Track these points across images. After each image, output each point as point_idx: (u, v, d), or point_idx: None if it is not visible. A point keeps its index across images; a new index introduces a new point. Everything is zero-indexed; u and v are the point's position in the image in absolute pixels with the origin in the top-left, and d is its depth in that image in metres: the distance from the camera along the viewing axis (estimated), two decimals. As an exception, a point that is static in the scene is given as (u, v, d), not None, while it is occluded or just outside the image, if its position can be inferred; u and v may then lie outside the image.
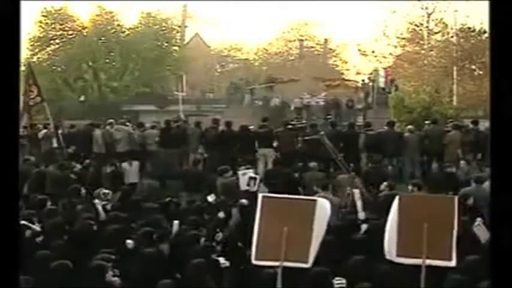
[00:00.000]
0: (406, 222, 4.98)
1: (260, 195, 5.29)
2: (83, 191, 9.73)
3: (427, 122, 14.67)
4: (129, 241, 6.75)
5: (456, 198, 5.33)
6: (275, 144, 13.20)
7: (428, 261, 4.92)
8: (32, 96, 13.88)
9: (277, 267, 5.08)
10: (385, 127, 13.56)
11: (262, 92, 22.22)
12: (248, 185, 9.85)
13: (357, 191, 8.60)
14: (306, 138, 12.98)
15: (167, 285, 5.49)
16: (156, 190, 11.06)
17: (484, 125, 13.17)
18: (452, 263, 4.99)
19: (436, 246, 4.90)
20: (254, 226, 5.20)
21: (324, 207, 5.23)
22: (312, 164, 11.74)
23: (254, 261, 5.15)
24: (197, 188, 11.27)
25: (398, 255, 5.02)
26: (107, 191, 9.29)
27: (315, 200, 5.22)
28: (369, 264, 5.88)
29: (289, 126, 14.14)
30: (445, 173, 11.33)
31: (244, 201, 9.03)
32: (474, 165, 12.08)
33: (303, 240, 5.03)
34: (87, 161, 12.79)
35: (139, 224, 7.61)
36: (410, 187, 9.57)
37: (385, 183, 9.85)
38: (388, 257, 5.14)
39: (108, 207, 8.78)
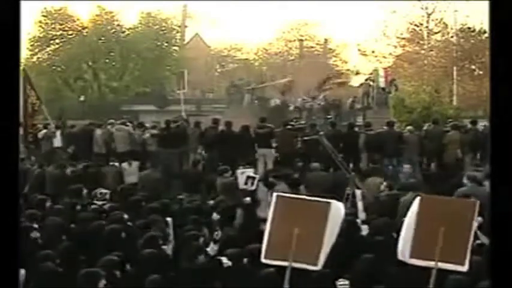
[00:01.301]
0: (424, 223, 4.91)
1: (275, 195, 5.25)
2: (84, 191, 9.75)
3: (427, 124, 14.64)
4: None
5: (477, 202, 5.24)
6: (275, 144, 13.20)
7: (441, 264, 4.88)
8: (32, 102, 14.14)
9: (284, 267, 5.06)
10: (385, 127, 13.57)
11: (262, 92, 22.20)
12: (245, 183, 9.84)
13: (358, 192, 8.60)
14: (305, 138, 12.99)
15: (154, 281, 5.50)
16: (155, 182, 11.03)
17: (484, 124, 13.21)
18: (465, 268, 4.95)
19: (450, 250, 4.84)
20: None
21: (338, 209, 5.17)
22: (314, 165, 11.73)
23: (263, 260, 5.13)
24: (197, 188, 11.29)
25: (411, 257, 4.97)
26: (104, 190, 9.29)
27: (329, 202, 5.17)
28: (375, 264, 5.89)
29: (288, 127, 14.13)
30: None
31: (247, 199, 9.10)
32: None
33: (314, 242, 4.97)
34: (88, 161, 12.80)
35: (136, 224, 7.61)
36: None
37: (384, 183, 9.86)
38: (400, 257, 5.09)
39: (106, 207, 8.78)
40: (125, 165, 12.40)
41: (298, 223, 4.94)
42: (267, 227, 5.05)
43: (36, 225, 7.38)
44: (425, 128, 14.15)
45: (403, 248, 5.02)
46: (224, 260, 6.42)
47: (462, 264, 4.90)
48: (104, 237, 6.98)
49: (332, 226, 5.04)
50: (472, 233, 4.92)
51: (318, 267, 5.02)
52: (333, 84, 21.97)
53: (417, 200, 5.07)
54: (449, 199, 5.55)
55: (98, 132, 13.77)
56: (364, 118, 18.17)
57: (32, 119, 14.40)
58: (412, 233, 4.94)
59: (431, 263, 4.87)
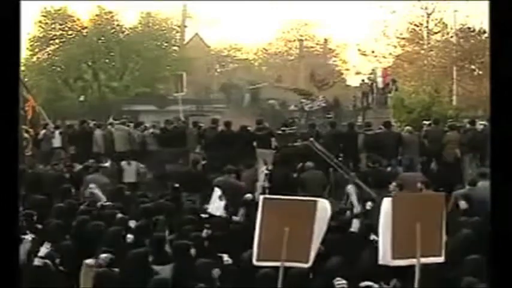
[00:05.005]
0: (400, 223, 4.93)
1: (261, 197, 5.30)
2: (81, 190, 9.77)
3: (427, 122, 14.62)
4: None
5: (443, 194, 5.43)
6: (274, 145, 13.21)
7: (423, 260, 4.93)
8: (29, 104, 14.24)
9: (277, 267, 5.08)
10: (382, 127, 13.58)
11: (262, 92, 22.22)
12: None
13: (349, 186, 8.57)
14: (295, 144, 12.97)
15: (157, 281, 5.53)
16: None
17: (483, 123, 13.22)
18: (442, 259, 5.03)
19: (428, 244, 4.91)
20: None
21: (324, 207, 5.25)
22: (308, 164, 11.71)
23: (255, 262, 5.17)
24: (197, 188, 11.29)
25: (394, 258, 4.97)
26: (94, 191, 9.34)
27: (315, 201, 5.23)
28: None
29: (280, 132, 14.11)
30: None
31: (249, 195, 9.18)
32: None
33: (304, 240, 5.05)
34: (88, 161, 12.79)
35: (136, 224, 7.61)
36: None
37: (393, 183, 9.78)
38: (381, 261, 5.07)
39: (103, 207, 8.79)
40: (123, 164, 12.40)
41: (287, 223, 4.99)
42: (256, 230, 5.10)
43: (34, 225, 7.39)
44: (424, 128, 14.15)
45: (384, 251, 5.01)
46: (225, 257, 6.46)
47: (440, 255, 4.97)
48: (101, 237, 6.97)
49: (320, 223, 5.14)
50: (444, 223, 5.00)
51: (309, 265, 5.11)
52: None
53: (388, 201, 5.06)
54: (419, 194, 5.65)
55: (98, 132, 13.78)
56: (363, 118, 18.17)
57: (33, 122, 14.46)
58: (390, 234, 4.95)
59: (413, 261, 4.90)
